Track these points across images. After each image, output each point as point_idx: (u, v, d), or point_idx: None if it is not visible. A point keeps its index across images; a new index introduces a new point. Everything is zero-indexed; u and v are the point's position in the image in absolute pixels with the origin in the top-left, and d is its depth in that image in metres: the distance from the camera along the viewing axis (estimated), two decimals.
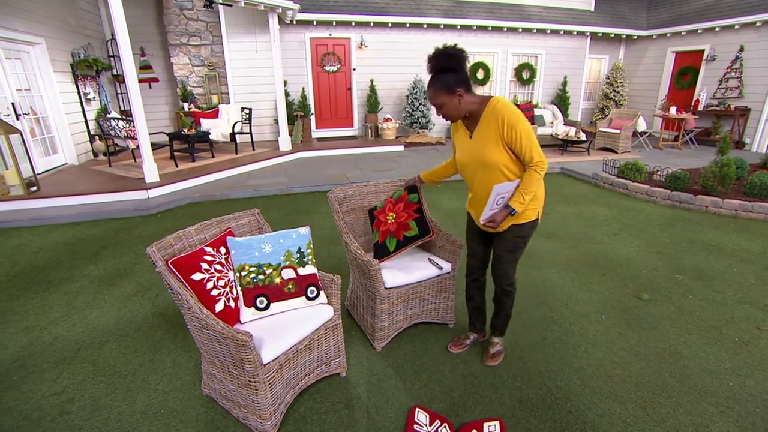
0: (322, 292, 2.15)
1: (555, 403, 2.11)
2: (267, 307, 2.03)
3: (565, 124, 9.63)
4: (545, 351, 2.52)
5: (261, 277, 2.04)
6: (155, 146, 6.51)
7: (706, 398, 2.13)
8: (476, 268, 2.39)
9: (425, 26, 9.49)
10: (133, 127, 5.84)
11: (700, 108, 9.67)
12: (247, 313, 2.01)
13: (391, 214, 2.63)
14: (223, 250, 2.04)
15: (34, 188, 5.40)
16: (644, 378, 2.29)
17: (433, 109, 9.69)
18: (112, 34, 8.30)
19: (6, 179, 5.20)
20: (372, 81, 9.50)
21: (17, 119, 5.98)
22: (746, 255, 3.87)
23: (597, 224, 4.73)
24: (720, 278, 3.43)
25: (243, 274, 2.02)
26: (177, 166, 6.68)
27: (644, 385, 2.23)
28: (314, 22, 8.90)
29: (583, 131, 8.67)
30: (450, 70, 1.86)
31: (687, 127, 9.20)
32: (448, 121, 2.06)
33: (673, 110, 9.02)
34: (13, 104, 5.93)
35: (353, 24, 9.11)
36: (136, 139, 5.77)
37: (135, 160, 6.91)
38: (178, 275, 1.84)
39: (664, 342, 2.60)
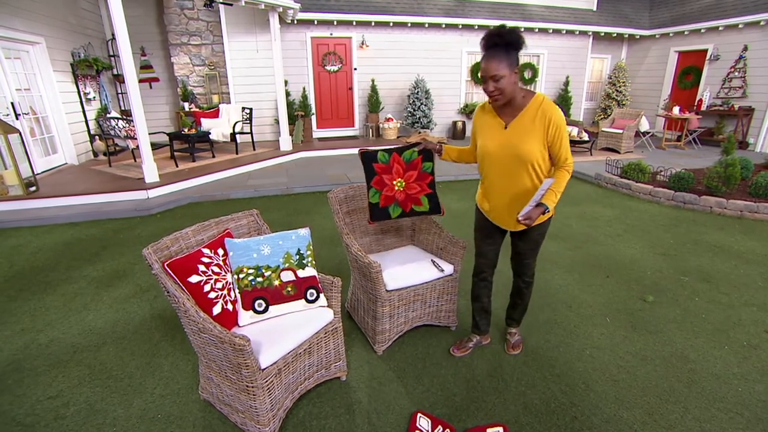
0: (321, 295, 2.11)
1: (559, 408, 2.07)
2: (266, 310, 1.99)
3: (567, 124, 9.56)
4: (549, 354, 2.48)
5: (259, 279, 1.99)
6: (156, 146, 6.48)
7: (715, 404, 2.08)
8: (485, 268, 2.35)
9: (427, 26, 9.45)
10: (133, 126, 5.81)
11: (703, 108, 9.61)
12: (245, 317, 1.97)
13: (399, 180, 2.37)
14: (221, 251, 2.00)
15: (33, 188, 5.37)
16: (651, 382, 2.24)
17: (435, 110, 9.65)
18: (113, 34, 8.28)
19: (5, 179, 5.17)
20: (373, 81, 9.46)
21: (17, 119, 5.96)
22: (752, 256, 3.82)
23: (600, 225, 4.68)
24: (726, 280, 3.38)
25: (241, 276, 1.98)
26: (177, 166, 6.65)
27: (651, 390, 2.18)
28: (315, 22, 8.86)
29: (586, 131, 8.62)
30: (514, 48, 1.79)
31: (690, 127, 9.14)
32: (494, 101, 1.90)
33: (676, 110, 8.96)
34: (12, 104, 5.91)
35: (354, 23, 9.08)
36: (136, 139, 5.74)
37: (135, 160, 6.87)
38: (175, 277, 1.80)
39: (670, 345, 2.55)
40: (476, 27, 9.67)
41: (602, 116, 11.28)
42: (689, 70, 10.21)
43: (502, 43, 1.77)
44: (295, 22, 8.65)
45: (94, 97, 7.86)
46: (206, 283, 1.87)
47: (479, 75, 1.87)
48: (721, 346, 2.54)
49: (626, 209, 5.27)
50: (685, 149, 9.05)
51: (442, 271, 2.49)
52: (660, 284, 3.33)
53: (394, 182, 2.39)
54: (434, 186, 2.44)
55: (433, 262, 2.54)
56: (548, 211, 1.89)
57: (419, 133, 9.52)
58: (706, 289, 3.24)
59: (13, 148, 5.13)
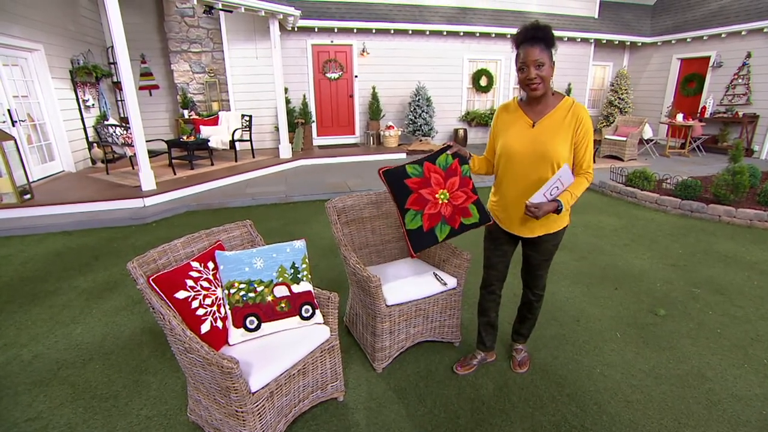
0: (317, 311, 1.99)
1: None
2: (258, 327, 1.87)
3: None
4: (558, 372, 2.35)
5: (251, 294, 1.88)
6: (155, 153, 6.40)
7: (738, 428, 1.94)
8: (494, 281, 2.23)
9: (428, 33, 9.41)
10: (131, 134, 5.73)
11: (707, 115, 9.52)
12: (235, 335, 1.85)
13: (442, 191, 2.03)
14: (211, 265, 1.89)
15: (28, 196, 5.28)
16: (667, 404, 2.11)
17: (436, 117, 9.56)
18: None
19: None
20: (374, 88, 9.40)
21: (13, 126, 5.88)
22: (766, 267, 3.69)
23: (606, 234, 4.56)
24: (740, 292, 3.25)
25: (232, 291, 1.87)
26: (175, 174, 6.56)
27: (668, 413, 2.05)
28: (316, 29, 8.83)
29: None
30: (552, 45, 1.76)
31: (694, 134, 9.04)
32: (533, 91, 1.80)
33: (679, 117, 8.87)
34: (9, 111, 5.84)
35: (355, 31, 9.04)
36: (134, 146, 5.66)
37: (133, 168, 6.78)
38: (161, 293, 1.69)
39: (685, 363, 2.42)
40: (477, 34, 9.63)
41: (605, 124, 11.20)
42: (692, 77, 10.14)
43: (541, 37, 1.74)
44: (296, 29, 8.60)
45: (93, 105, 7.80)
46: (194, 299, 1.75)
47: (518, 65, 1.79)
48: (740, 364, 2.41)
49: (632, 218, 5.15)
50: (689, 157, 8.94)
51: (445, 284, 2.37)
52: (671, 296, 3.21)
53: (437, 195, 2.03)
54: (476, 191, 2.13)
55: (436, 275, 2.42)
56: (561, 211, 1.80)
57: (420, 140, 9.44)
58: (719, 302, 3.11)
59: (7, 156, 5.05)
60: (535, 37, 1.73)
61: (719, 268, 3.68)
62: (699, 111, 9.74)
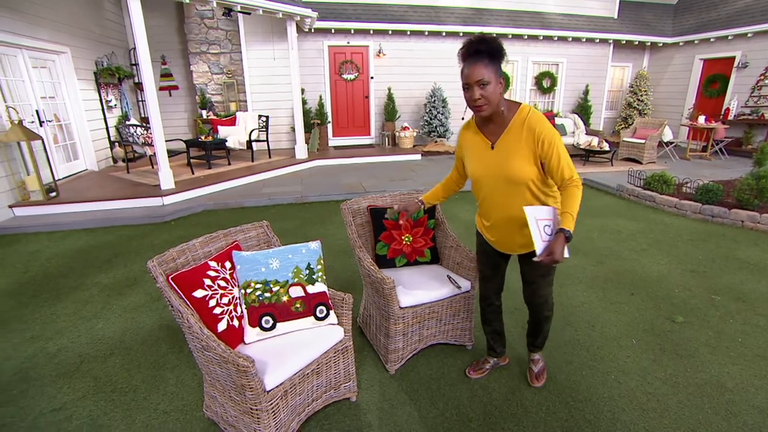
0: (332, 312, 2.02)
1: None
2: (273, 327, 1.91)
3: (586, 134, 9.36)
4: (572, 378, 2.33)
5: (267, 294, 1.91)
6: (174, 153, 6.54)
7: None
8: (491, 294, 2.21)
9: (444, 34, 9.39)
10: (151, 134, 5.87)
11: (731, 117, 9.27)
12: (251, 334, 1.89)
13: (407, 235, 2.59)
14: (228, 264, 1.93)
15: (54, 194, 5.46)
16: (684, 413, 2.07)
17: (452, 118, 9.53)
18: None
19: (27, 185, 5.27)
20: (390, 89, 9.42)
21: (41, 126, 6.09)
22: None
23: (623, 239, 4.49)
24: (762, 300, 3.16)
25: (248, 291, 1.91)
26: (193, 173, 6.69)
27: (684, 422, 2.01)
28: (332, 30, 8.89)
29: (606, 141, 8.39)
30: (498, 57, 1.65)
31: (716, 137, 8.81)
32: (479, 112, 1.70)
33: (701, 119, 8.66)
34: (37, 111, 6.04)
35: (371, 32, 9.08)
36: (154, 145, 5.80)
37: (152, 167, 6.95)
38: (179, 292, 1.73)
39: (704, 372, 2.38)
40: (494, 35, 9.55)
41: (623, 126, 11.00)
42: (715, 78, 9.89)
43: (486, 50, 1.63)
44: (313, 30, 8.69)
45: (116, 105, 8.02)
46: (212, 297, 1.80)
47: (462, 84, 1.67)
48: (762, 375, 2.35)
49: (650, 222, 5.05)
50: (711, 160, 8.72)
51: (459, 287, 2.37)
52: (689, 303, 3.14)
53: (403, 237, 2.59)
54: (435, 239, 2.70)
55: (450, 278, 2.42)
56: (571, 236, 1.62)
57: (435, 142, 9.43)
58: (740, 310, 3.03)
59: (35, 155, 5.23)
60: (478, 50, 1.62)
61: (741, 275, 3.59)
62: (722, 113, 9.49)
